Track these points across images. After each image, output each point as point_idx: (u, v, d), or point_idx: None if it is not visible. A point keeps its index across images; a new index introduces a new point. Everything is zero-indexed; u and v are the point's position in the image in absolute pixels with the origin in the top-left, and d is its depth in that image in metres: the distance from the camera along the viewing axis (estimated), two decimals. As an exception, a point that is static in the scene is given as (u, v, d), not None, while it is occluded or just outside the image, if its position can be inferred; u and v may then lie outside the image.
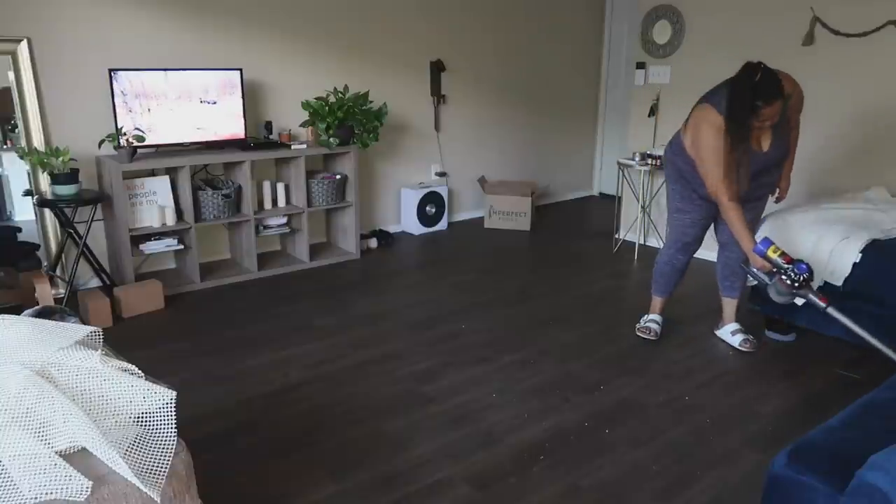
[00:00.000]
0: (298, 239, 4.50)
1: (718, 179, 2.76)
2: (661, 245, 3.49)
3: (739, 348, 3.18)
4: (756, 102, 2.58)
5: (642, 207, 4.76)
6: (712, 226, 3.19)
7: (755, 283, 3.21)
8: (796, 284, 2.61)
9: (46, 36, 3.61)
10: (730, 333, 3.26)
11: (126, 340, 3.23)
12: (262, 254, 4.51)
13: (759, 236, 3.16)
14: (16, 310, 2.55)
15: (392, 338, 3.32)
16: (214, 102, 3.99)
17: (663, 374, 2.97)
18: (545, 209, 6.15)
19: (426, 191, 5.22)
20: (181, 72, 3.87)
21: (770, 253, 2.67)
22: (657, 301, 3.36)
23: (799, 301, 2.80)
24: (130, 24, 3.86)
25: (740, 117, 2.63)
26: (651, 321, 3.33)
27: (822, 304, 2.55)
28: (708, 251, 4.20)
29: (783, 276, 2.63)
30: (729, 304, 3.29)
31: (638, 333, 3.32)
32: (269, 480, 2.21)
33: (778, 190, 3.14)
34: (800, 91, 2.84)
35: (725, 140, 2.69)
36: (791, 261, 2.64)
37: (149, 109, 3.80)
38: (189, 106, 3.92)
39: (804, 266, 2.63)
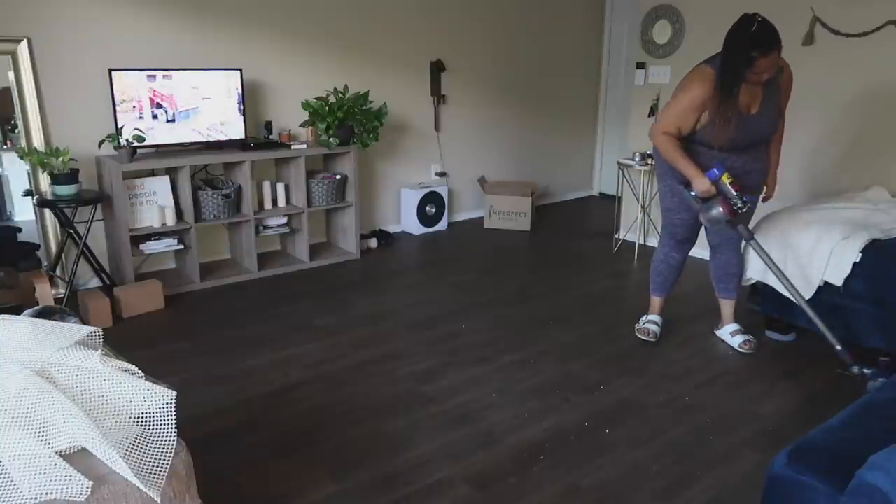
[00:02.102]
0: (298, 239, 4.50)
1: (664, 125, 2.80)
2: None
3: (739, 349, 3.18)
4: (752, 53, 2.54)
5: (642, 207, 4.76)
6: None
7: (752, 280, 3.21)
8: (740, 212, 2.82)
9: (46, 36, 3.61)
10: (729, 334, 3.25)
11: (126, 340, 3.23)
12: (262, 254, 4.51)
13: (759, 236, 3.17)
14: (16, 310, 2.55)
15: (392, 338, 3.32)
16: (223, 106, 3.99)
17: (663, 374, 2.97)
18: (545, 209, 6.15)
19: (426, 191, 5.22)
20: (181, 72, 3.87)
21: (724, 179, 2.82)
22: (656, 301, 3.36)
23: (709, 222, 2.92)
24: (130, 24, 3.86)
25: (736, 67, 2.59)
26: (650, 322, 3.33)
27: (748, 235, 2.88)
28: (705, 250, 4.20)
29: (732, 203, 2.80)
30: (727, 306, 3.29)
31: (637, 335, 3.32)
32: (269, 480, 2.21)
33: (765, 188, 3.12)
34: (790, 72, 2.85)
35: (714, 95, 2.67)
36: (738, 190, 2.82)
37: (153, 114, 3.80)
38: (189, 106, 3.92)
39: (749, 197, 2.88)
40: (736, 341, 3.21)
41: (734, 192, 2.79)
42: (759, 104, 2.79)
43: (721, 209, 2.80)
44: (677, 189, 3.02)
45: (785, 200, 4.05)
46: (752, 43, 2.53)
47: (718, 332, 3.33)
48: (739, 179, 2.88)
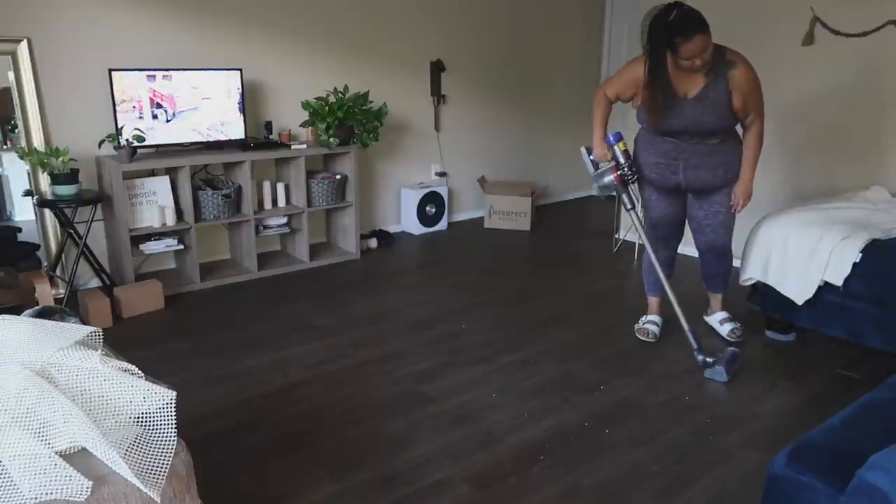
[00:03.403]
0: (298, 239, 4.50)
1: (606, 85, 3.01)
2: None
3: (727, 338, 3.26)
4: (675, 38, 2.60)
5: (643, 207, 4.76)
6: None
7: (752, 280, 3.21)
8: (627, 180, 2.97)
9: (46, 36, 3.61)
10: (718, 322, 3.34)
11: (126, 340, 3.23)
12: (262, 254, 4.51)
13: (760, 235, 3.17)
14: (16, 310, 2.55)
15: (392, 338, 3.32)
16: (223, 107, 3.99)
17: (663, 374, 2.97)
18: (545, 209, 6.15)
19: (426, 191, 5.22)
20: (181, 72, 3.87)
21: (617, 146, 2.95)
22: (653, 301, 3.37)
23: (600, 188, 3.08)
24: (130, 24, 3.86)
25: (658, 52, 2.67)
26: (649, 322, 3.33)
27: (629, 205, 3.03)
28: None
29: (619, 171, 2.95)
30: (715, 298, 3.37)
31: (637, 335, 3.32)
32: (269, 480, 2.21)
33: (733, 195, 3.00)
34: (748, 71, 2.74)
35: (644, 73, 2.77)
36: (629, 159, 2.97)
37: (153, 114, 3.80)
38: (189, 106, 3.92)
39: (634, 168, 3.00)
40: (725, 329, 3.29)
41: (623, 160, 2.95)
42: (697, 90, 2.78)
43: (612, 176, 2.97)
44: (645, 186, 3.13)
45: (784, 201, 4.05)
46: (672, 28, 2.60)
47: (707, 319, 3.42)
48: (679, 173, 2.95)
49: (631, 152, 3.06)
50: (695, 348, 2.96)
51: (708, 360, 2.91)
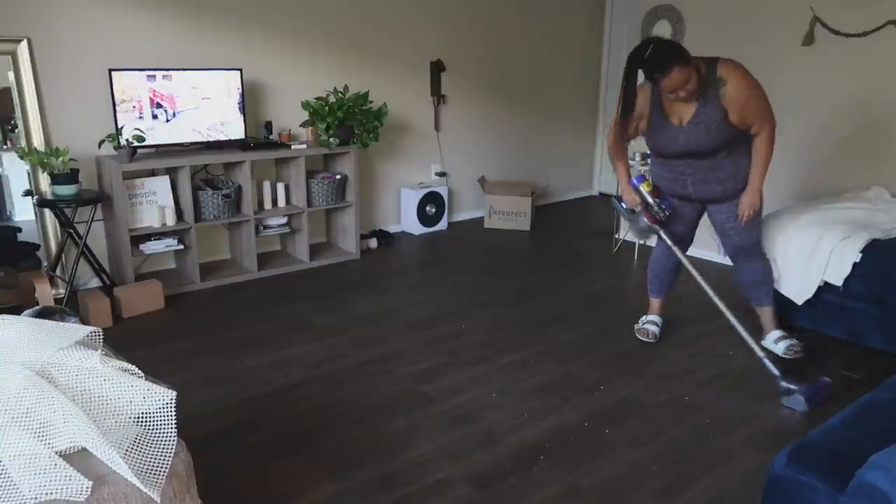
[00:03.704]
0: (298, 239, 4.50)
1: (611, 130, 2.95)
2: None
3: (784, 356, 3.00)
4: (653, 74, 2.60)
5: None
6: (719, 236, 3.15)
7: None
8: (660, 218, 2.93)
9: (46, 36, 3.61)
10: (773, 342, 3.09)
11: (126, 340, 3.23)
12: (262, 254, 4.51)
13: (771, 243, 3.16)
14: (16, 310, 2.55)
15: (392, 338, 3.32)
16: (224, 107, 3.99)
17: (663, 374, 2.97)
18: (545, 209, 6.15)
19: (426, 191, 5.22)
20: (181, 72, 3.87)
21: (643, 187, 2.93)
22: (654, 302, 3.36)
23: (637, 233, 3.08)
24: (130, 24, 3.86)
25: (629, 89, 2.67)
26: (649, 322, 3.33)
27: (670, 242, 2.97)
28: (707, 250, 4.20)
29: (650, 210, 2.91)
30: (764, 314, 3.13)
31: (637, 335, 3.32)
32: (269, 480, 2.21)
33: (739, 205, 2.90)
34: (740, 85, 2.65)
35: (634, 99, 2.74)
36: (658, 198, 2.94)
37: (153, 114, 3.80)
38: (189, 106, 3.92)
39: (668, 203, 2.97)
40: (780, 348, 3.05)
41: (651, 200, 2.94)
42: (690, 116, 2.73)
43: (645, 219, 2.96)
44: (663, 189, 3.08)
45: (784, 201, 4.05)
46: (648, 64, 2.58)
47: (764, 342, 3.12)
48: (688, 187, 2.92)
49: (653, 185, 3.01)
50: (776, 375, 2.72)
51: (791, 387, 2.68)
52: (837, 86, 3.88)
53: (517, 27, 5.73)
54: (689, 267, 2.98)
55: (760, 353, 2.79)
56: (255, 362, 3.05)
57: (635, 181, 2.97)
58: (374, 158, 5.10)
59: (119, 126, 3.70)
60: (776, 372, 2.73)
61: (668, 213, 2.97)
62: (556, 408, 2.67)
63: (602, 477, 2.24)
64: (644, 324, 3.34)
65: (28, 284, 3.30)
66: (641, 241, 3.08)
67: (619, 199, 3.09)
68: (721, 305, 2.87)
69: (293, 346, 3.22)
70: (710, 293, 2.91)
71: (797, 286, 3.11)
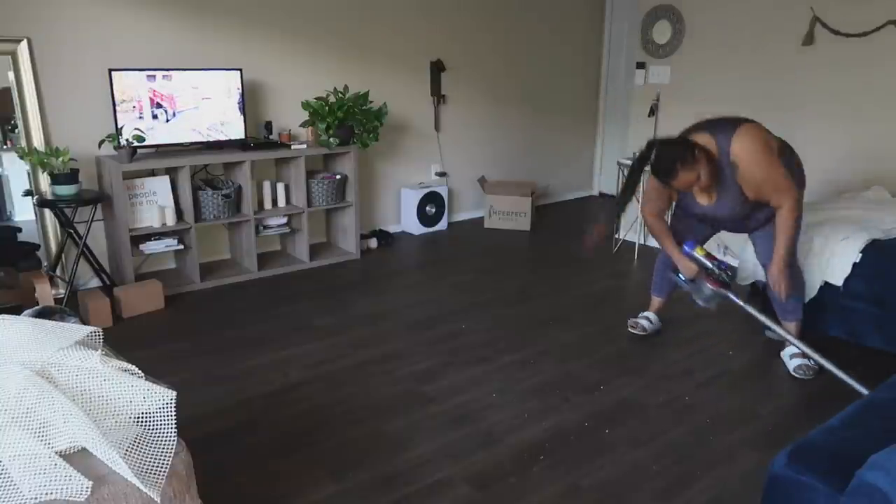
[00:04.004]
0: (298, 239, 4.50)
1: (646, 208, 2.98)
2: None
3: (793, 374, 2.93)
4: (662, 178, 2.63)
5: (643, 208, 4.76)
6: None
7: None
8: (724, 280, 2.79)
9: (46, 36, 3.61)
10: (788, 356, 3.02)
11: (126, 340, 3.23)
12: (262, 254, 4.51)
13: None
14: (16, 310, 2.55)
15: (392, 338, 3.32)
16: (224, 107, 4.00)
17: (663, 374, 2.97)
18: (545, 209, 6.15)
19: (426, 191, 5.22)
20: (181, 72, 3.87)
21: (697, 253, 2.81)
22: (655, 300, 3.37)
23: (703, 300, 2.91)
24: (130, 24, 3.86)
25: (631, 187, 2.70)
26: (644, 317, 3.34)
27: (741, 303, 2.80)
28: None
29: (711, 275, 2.79)
30: (788, 328, 2.99)
31: (629, 327, 3.32)
32: (269, 480, 2.21)
33: (769, 277, 2.83)
34: (752, 167, 2.59)
35: (635, 187, 2.78)
36: (715, 259, 2.80)
37: (153, 114, 3.80)
38: (189, 106, 3.92)
39: (726, 264, 2.81)
40: (792, 364, 2.96)
41: (710, 264, 2.81)
42: (715, 196, 2.74)
43: (708, 284, 2.83)
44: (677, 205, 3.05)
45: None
46: (655, 169, 2.61)
47: (781, 354, 3.08)
48: (712, 226, 2.91)
49: (709, 250, 2.91)
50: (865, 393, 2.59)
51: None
52: (837, 86, 3.88)
53: (517, 27, 5.73)
54: (758, 315, 2.80)
55: (843, 375, 2.59)
56: (255, 362, 3.05)
57: (687, 249, 2.83)
58: (374, 158, 5.10)
59: (119, 126, 3.70)
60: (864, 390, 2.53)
61: (730, 274, 2.81)
62: (556, 408, 2.67)
63: (602, 477, 2.24)
64: (639, 317, 3.34)
65: (28, 284, 3.30)
66: (712, 307, 2.88)
67: (676, 271, 2.99)
68: (771, 323, 2.80)
69: (293, 346, 3.22)
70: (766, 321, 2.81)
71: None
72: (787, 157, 2.76)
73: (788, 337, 2.78)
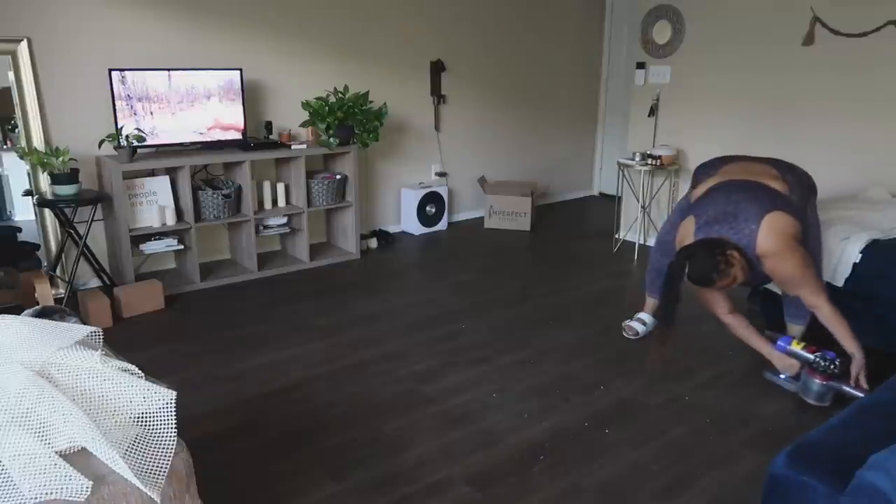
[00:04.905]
0: (298, 239, 4.50)
1: (716, 309, 2.84)
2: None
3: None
4: (703, 287, 2.59)
5: (642, 207, 4.76)
6: None
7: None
8: (830, 373, 2.54)
9: (46, 36, 3.61)
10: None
11: (126, 340, 3.23)
12: (262, 254, 4.51)
13: None
14: (16, 310, 2.55)
15: (392, 338, 3.32)
16: (224, 107, 3.99)
17: (663, 374, 2.97)
18: (545, 209, 6.15)
19: (426, 191, 5.22)
20: (181, 72, 3.87)
21: (793, 347, 2.62)
22: (649, 301, 3.37)
23: (814, 399, 2.64)
24: (130, 24, 3.86)
25: (673, 298, 2.60)
26: (637, 320, 3.34)
27: (860, 394, 2.47)
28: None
29: (815, 368, 2.56)
30: (794, 330, 2.96)
31: (623, 330, 3.32)
32: (269, 480, 2.21)
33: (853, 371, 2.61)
34: (776, 269, 2.53)
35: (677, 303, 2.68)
36: (816, 350, 2.59)
37: (151, 113, 3.79)
38: (189, 106, 3.92)
39: (832, 353, 2.57)
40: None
41: (811, 356, 2.59)
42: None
43: (815, 379, 2.59)
44: (677, 216, 2.97)
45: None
46: (691, 279, 2.55)
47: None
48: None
49: (800, 338, 2.76)
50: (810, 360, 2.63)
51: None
52: (837, 86, 3.88)
53: (517, 27, 5.73)
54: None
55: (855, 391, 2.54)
56: (255, 362, 3.05)
57: (783, 345, 2.66)
58: (374, 158, 5.10)
59: (119, 126, 3.70)
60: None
61: (838, 363, 2.55)
62: (556, 408, 2.67)
63: (602, 477, 2.24)
64: (632, 320, 3.33)
65: (28, 284, 3.30)
66: (827, 404, 2.63)
67: (774, 371, 2.79)
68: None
69: (293, 346, 3.22)
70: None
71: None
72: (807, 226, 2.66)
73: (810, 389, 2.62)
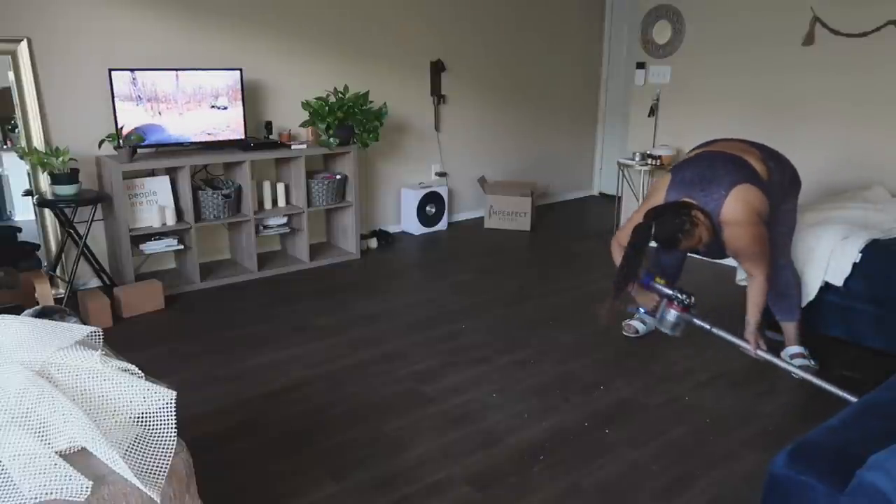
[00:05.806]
0: (298, 239, 4.50)
1: (616, 235, 2.94)
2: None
3: (794, 375, 2.80)
4: (667, 248, 2.66)
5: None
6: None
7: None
8: (687, 304, 2.72)
9: (46, 36, 3.61)
10: (788, 357, 2.98)
11: (126, 340, 3.23)
12: (262, 254, 4.51)
13: None
14: (16, 310, 2.55)
15: (392, 338, 3.32)
16: (225, 108, 4.00)
17: (663, 374, 2.97)
18: (545, 209, 6.15)
19: (426, 191, 5.21)
20: (181, 72, 3.87)
21: (658, 282, 2.78)
22: None
23: (669, 329, 2.78)
24: (130, 24, 3.86)
25: (638, 261, 2.63)
26: (638, 319, 3.34)
27: (708, 327, 2.71)
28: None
29: (675, 302, 2.73)
30: (786, 328, 3.02)
31: (623, 330, 3.32)
32: (269, 480, 2.21)
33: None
34: (733, 235, 2.58)
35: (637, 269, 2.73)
36: (675, 287, 2.76)
37: (159, 113, 3.79)
38: (189, 106, 3.92)
39: (685, 291, 2.75)
40: (796, 362, 2.91)
41: (670, 291, 2.74)
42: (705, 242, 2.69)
43: (673, 311, 2.74)
44: None
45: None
46: (657, 241, 2.61)
47: (781, 354, 3.00)
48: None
49: (667, 267, 2.88)
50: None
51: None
52: (837, 86, 3.88)
53: (517, 27, 5.73)
54: (727, 336, 2.76)
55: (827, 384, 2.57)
56: (255, 362, 3.05)
57: (647, 281, 2.78)
58: (374, 158, 5.10)
59: (119, 126, 3.70)
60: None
61: (692, 296, 2.73)
62: (556, 408, 2.67)
63: (602, 477, 2.24)
64: (633, 319, 3.34)
65: (28, 284, 3.30)
66: (678, 334, 2.80)
67: (638, 308, 2.93)
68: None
69: (293, 346, 3.22)
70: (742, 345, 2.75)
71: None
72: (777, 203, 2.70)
73: (766, 357, 2.69)
